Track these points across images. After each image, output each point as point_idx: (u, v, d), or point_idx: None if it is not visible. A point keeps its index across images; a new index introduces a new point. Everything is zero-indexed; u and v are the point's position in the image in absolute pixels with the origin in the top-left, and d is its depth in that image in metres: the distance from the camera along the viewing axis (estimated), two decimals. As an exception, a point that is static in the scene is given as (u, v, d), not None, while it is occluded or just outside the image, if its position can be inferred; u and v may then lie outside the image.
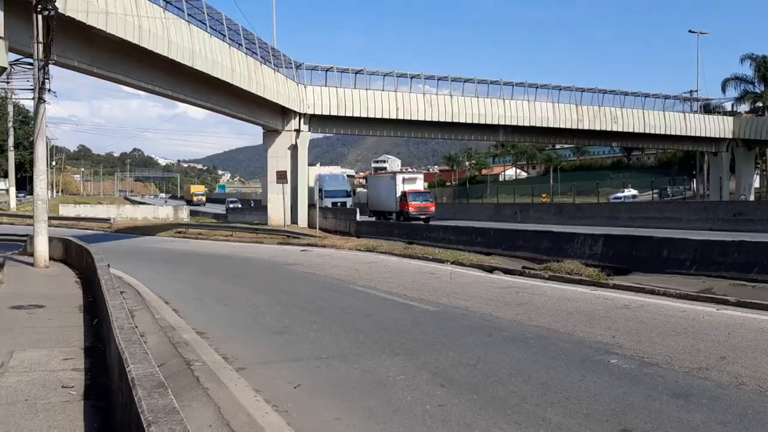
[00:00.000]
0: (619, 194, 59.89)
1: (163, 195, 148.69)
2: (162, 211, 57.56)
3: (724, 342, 8.02)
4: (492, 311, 10.56)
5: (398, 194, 43.32)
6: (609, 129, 48.45)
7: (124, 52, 22.98)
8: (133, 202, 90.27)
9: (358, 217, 35.73)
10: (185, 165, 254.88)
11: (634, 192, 62.24)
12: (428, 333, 9.02)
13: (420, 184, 46.26)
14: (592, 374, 6.66)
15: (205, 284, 15.58)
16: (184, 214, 54.92)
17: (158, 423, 2.77)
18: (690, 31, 58.07)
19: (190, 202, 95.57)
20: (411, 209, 41.68)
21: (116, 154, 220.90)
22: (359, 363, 7.35)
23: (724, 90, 61.16)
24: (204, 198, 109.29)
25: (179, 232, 38.17)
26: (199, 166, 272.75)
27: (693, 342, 8.04)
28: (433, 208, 43.21)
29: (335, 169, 61.88)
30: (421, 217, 41.23)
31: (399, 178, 45.25)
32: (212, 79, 29.38)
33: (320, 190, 44.54)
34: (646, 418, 5.28)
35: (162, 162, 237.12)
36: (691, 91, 58.81)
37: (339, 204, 44.55)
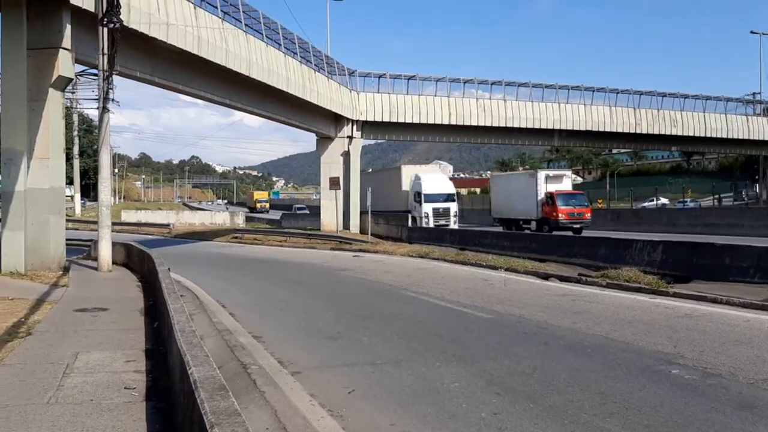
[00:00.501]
0: (648, 203, 57.97)
1: (220, 201, 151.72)
2: (219, 216, 58.84)
3: (793, 353, 7.70)
4: (548, 319, 10.39)
5: (540, 197, 34.62)
6: (668, 133, 47.15)
7: (184, 62, 23.62)
8: (192, 208, 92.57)
9: (410, 223, 35.74)
10: (241, 172, 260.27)
11: (664, 201, 60.10)
12: (482, 340, 8.94)
13: (568, 184, 36.96)
14: (652, 384, 6.48)
15: (260, 288, 15.84)
16: (240, 220, 55.95)
17: (221, 425, 2.84)
18: (752, 32, 56.12)
19: (253, 209, 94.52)
20: (561, 216, 32.97)
21: (175, 162, 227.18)
22: (413, 369, 7.34)
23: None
24: (267, 205, 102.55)
25: (235, 238, 38.89)
26: (255, 173, 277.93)
27: (758, 352, 7.75)
28: (589, 215, 34.47)
29: (429, 168, 48.84)
30: (574, 226, 32.90)
31: (541, 176, 35.90)
32: (268, 87, 29.91)
33: (417, 194, 38.30)
34: (708, 431, 5.11)
35: (219, 169, 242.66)
36: (753, 94, 56.74)
37: (441, 210, 37.43)
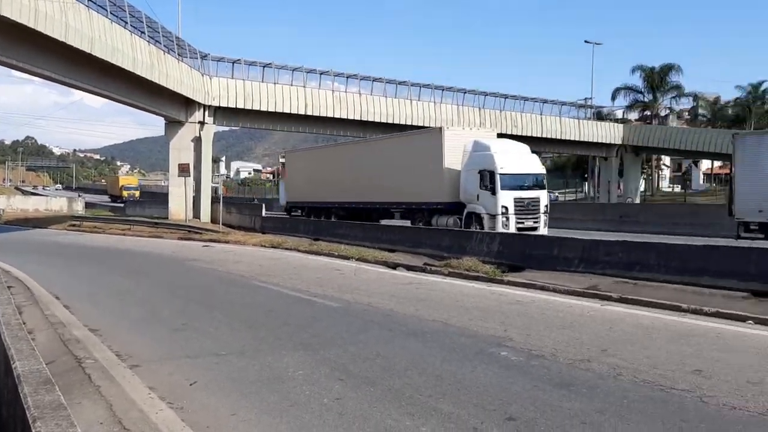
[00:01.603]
0: None
1: (59, 186, 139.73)
2: (56, 202, 54.76)
3: (605, 336, 8.60)
4: (393, 307, 10.79)
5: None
6: (509, 132, 50.14)
7: (20, 35, 21.71)
8: (25, 193, 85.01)
9: (264, 213, 35.30)
10: (81, 155, 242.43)
11: None
12: (330, 328, 9.12)
13: None
14: (483, 366, 6.98)
15: (100, 279, 15.01)
16: (79, 207, 52.40)
17: (44, 419, 2.73)
18: (585, 41, 61.16)
19: (117, 198, 76.08)
20: None
21: (7, 142, 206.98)
22: (259, 359, 7.36)
23: (614, 98, 64.91)
24: (137, 193, 79.97)
25: (73, 225, 36.42)
26: (97, 156, 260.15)
27: (577, 335, 8.56)
28: None
29: (487, 134, 27.98)
30: None
31: None
32: (112, 66, 28.20)
33: (486, 175, 22.64)
34: (530, 407, 5.61)
35: (57, 151, 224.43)
36: (586, 99, 62.08)
37: (528, 203, 22.64)
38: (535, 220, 22.90)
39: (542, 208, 23.11)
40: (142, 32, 31.50)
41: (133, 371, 6.81)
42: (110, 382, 6.39)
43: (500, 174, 22.35)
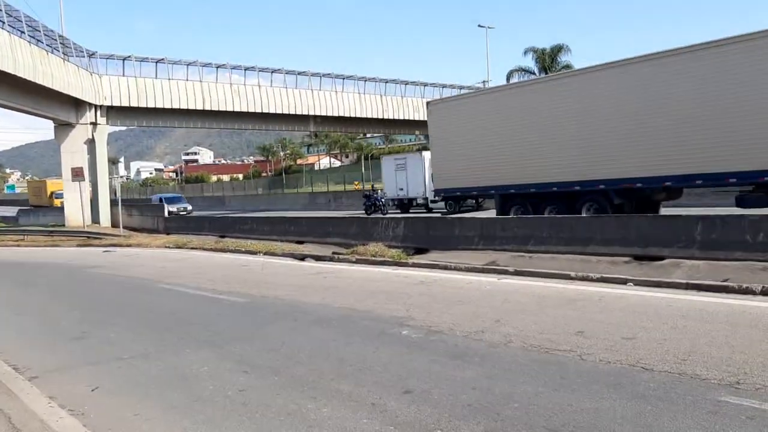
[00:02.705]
0: None
1: None
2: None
3: (499, 307, 9.10)
4: (300, 297, 10.94)
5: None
6: (412, 118, 51.04)
7: None
8: None
9: (166, 213, 34.41)
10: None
11: None
12: (235, 324, 9.18)
13: None
14: (385, 346, 7.28)
15: (-8, 295, 14.30)
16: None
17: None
18: (479, 26, 62.80)
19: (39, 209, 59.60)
20: None
21: None
22: (162, 359, 7.35)
23: (509, 79, 66.98)
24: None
25: (-41, 240, 34.10)
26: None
27: (474, 309, 9.02)
28: None
29: None
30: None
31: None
32: (-11, 69, 26.63)
33: None
34: (426, 379, 5.94)
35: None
36: (483, 81, 63.76)
37: None
38: None
39: None
40: (22, 32, 29.87)
41: (32, 383, 6.66)
42: (7, 395, 6.21)
43: None
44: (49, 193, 71.04)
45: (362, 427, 4.89)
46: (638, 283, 10.28)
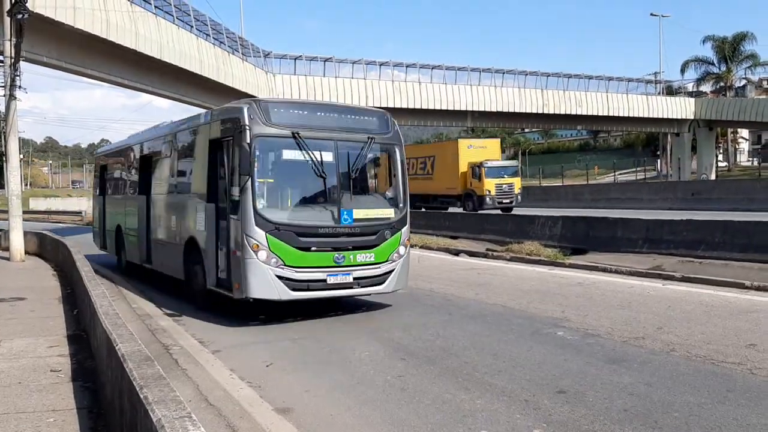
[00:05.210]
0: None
1: None
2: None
3: (663, 314, 8.76)
4: (454, 291, 11.20)
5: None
6: (574, 113, 49.42)
7: (93, 45, 23.06)
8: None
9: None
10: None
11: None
12: (393, 313, 9.62)
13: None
14: (538, 345, 7.32)
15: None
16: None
17: (149, 386, 3.30)
18: (652, 14, 59.28)
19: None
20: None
21: (84, 146, 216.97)
22: (327, 342, 7.92)
23: (683, 72, 62.75)
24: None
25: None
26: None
27: (635, 315, 8.76)
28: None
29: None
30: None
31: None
32: (180, 70, 29.48)
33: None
34: (580, 381, 5.94)
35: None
36: (655, 73, 60.21)
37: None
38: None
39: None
40: (207, 35, 32.72)
41: (216, 356, 7.47)
42: (195, 365, 7.05)
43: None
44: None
45: (515, 421, 5.03)
46: (825, 297, 9.40)
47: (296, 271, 8.66)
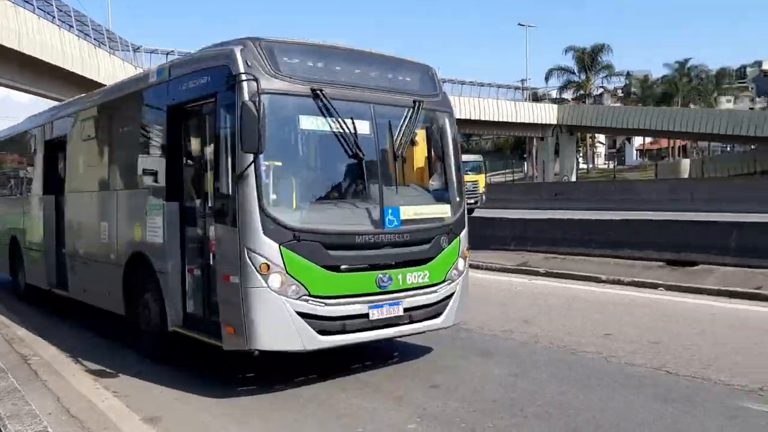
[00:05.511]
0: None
1: None
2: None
3: (529, 307, 9.28)
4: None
5: None
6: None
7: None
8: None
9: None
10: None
11: None
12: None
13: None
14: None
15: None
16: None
17: (1, 400, 3.06)
18: (519, 24, 62.51)
19: None
20: None
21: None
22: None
23: (547, 79, 66.68)
24: None
25: None
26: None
27: (503, 309, 9.21)
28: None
29: None
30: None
31: None
32: (41, 62, 27.58)
33: None
34: (451, 376, 6.14)
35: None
36: (522, 80, 63.52)
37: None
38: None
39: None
40: (71, 26, 30.86)
41: (78, 365, 7.02)
42: (56, 376, 6.58)
43: None
44: None
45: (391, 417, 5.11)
46: (669, 287, 10.33)
47: (326, 304, 5.69)
